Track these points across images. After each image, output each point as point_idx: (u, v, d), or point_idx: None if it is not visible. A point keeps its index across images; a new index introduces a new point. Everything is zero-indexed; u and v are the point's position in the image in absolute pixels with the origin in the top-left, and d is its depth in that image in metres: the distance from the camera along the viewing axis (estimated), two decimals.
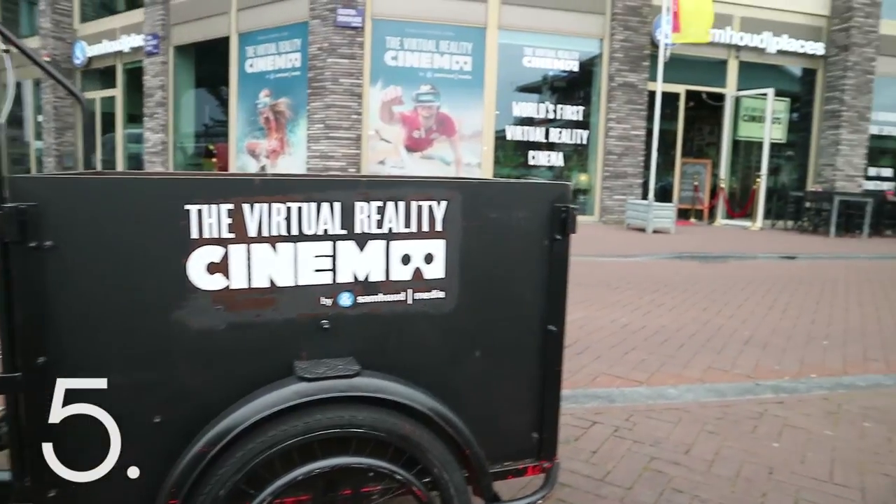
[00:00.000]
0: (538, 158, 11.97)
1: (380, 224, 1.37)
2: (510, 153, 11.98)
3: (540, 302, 1.51)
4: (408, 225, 1.38)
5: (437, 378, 1.44)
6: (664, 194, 13.02)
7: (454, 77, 11.57)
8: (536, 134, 11.95)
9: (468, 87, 11.64)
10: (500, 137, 11.83)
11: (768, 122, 12.50)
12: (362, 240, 1.37)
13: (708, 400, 3.13)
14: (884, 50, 13.54)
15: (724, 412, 2.96)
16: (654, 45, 11.75)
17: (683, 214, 13.24)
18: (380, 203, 1.36)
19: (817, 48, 13.47)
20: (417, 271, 1.40)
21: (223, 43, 12.51)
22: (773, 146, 13.02)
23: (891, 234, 12.42)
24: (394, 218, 1.37)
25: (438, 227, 1.40)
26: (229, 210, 1.27)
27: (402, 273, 1.39)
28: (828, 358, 4.02)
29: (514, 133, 11.89)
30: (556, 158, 12.06)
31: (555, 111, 12.07)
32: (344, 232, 1.35)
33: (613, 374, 3.49)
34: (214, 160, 13.32)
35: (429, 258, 1.40)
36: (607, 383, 3.34)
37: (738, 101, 13.18)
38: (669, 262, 8.04)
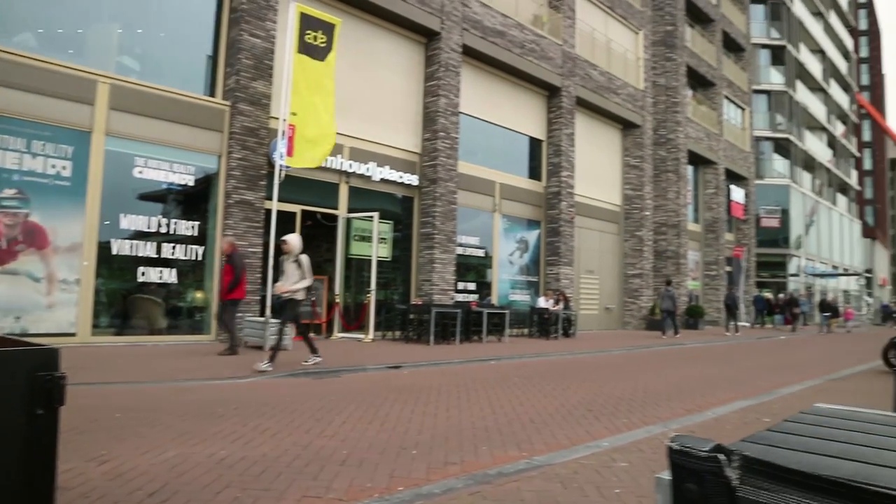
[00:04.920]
0: (149, 275, 11.18)
1: None
2: (116, 269, 10.95)
3: (18, 495, 1.24)
4: None
5: None
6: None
7: (49, 182, 10.32)
8: (148, 249, 11.20)
9: (66, 195, 10.47)
10: (104, 251, 10.77)
11: (375, 242, 13.79)
12: None
13: None
14: (462, 185, 16.30)
15: None
16: (271, 165, 12.19)
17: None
18: None
19: (413, 179, 15.55)
20: None
21: None
22: (381, 263, 14.35)
23: (477, 338, 14.47)
24: None
25: None
26: None
27: None
28: (415, 467, 4.31)
29: (122, 247, 10.96)
30: (170, 275, 11.41)
31: (169, 225, 11.52)
32: None
33: None
34: None
35: None
36: None
37: (349, 221, 14.31)
38: (284, 381, 8.02)
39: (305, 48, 11.88)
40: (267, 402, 6.35)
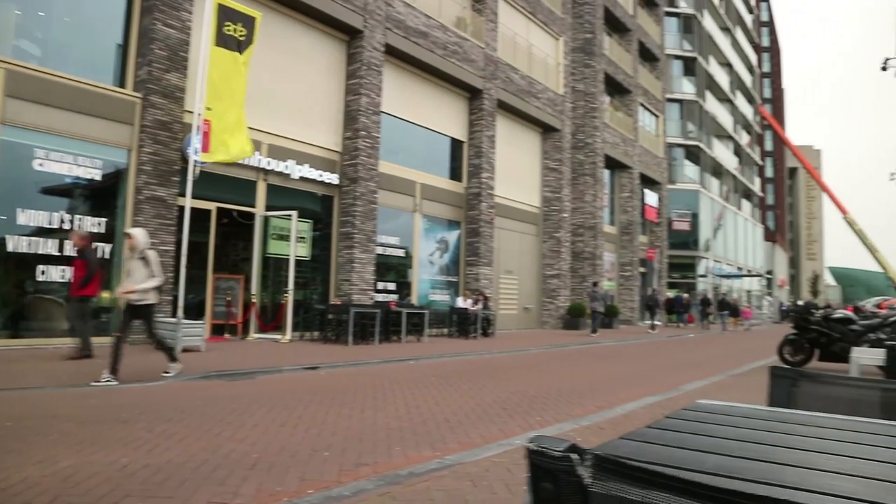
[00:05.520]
0: (50, 273, 10.59)
1: None
2: (12, 267, 10.33)
3: None
4: None
5: None
6: (199, 310, 12.81)
7: None
8: (49, 246, 10.61)
9: None
10: None
11: (293, 241, 13.57)
12: None
13: None
14: (382, 185, 16.26)
15: None
16: (185, 160, 11.78)
17: (218, 330, 13.20)
18: None
19: (333, 178, 15.39)
20: None
21: None
22: (300, 262, 14.13)
23: (396, 338, 14.46)
24: None
25: None
26: None
27: None
28: (326, 470, 4.27)
29: (20, 244, 10.34)
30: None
31: (73, 221, 10.95)
32: None
33: None
34: None
35: None
36: None
37: (267, 220, 14.02)
38: (196, 384, 7.78)
39: (223, 41, 11.56)
40: (176, 406, 6.15)
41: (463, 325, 17.11)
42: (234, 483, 3.87)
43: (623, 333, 22.87)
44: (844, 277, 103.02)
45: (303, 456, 4.58)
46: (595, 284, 22.22)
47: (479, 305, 17.68)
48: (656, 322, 26.57)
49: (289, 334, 13.19)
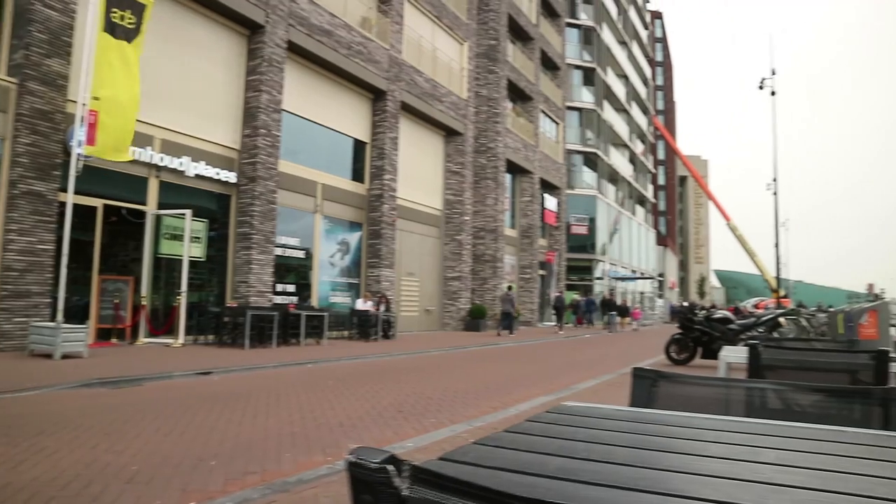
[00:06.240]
0: None
1: None
2: None
3: None
4: None
5: None
6: (83, 314, 12.07)
7: None
8: None
9: None
10: None
11: (187, 241, 13.03)
12: None
13: None
14: (282, 184, 15.91)
15: None
16: (68, 153, 11.08)
17: (104, 335, 12.49)
18: None
19: (231, 176, 14.91)
20: None
21: None
22: (194, 263, 13.59)
23: (295, 341, 14.18)
24: None
25: None
26: None
27: None
28: (211, 480, 4.12)
29: None
30: None
31: None
32: None
33: None
34: None
35: None
36: None
37: (159, 218, 13.40)
38: (75, 393, 7.32)
39: (111, 27, 10.95)
40: (49, 418, 5.76)
41: (364, 327, 17.00)
42: (108, 499, 3.67)
43: (523, 335, 23.42)
44: (728, 280, 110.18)
45: (186, 466, 4.40)
46: (509, 288, 23.20)
47: (381, 307, 17.61)
48: (557, 323, 27.40)
49: (181, 338, 12.66)
